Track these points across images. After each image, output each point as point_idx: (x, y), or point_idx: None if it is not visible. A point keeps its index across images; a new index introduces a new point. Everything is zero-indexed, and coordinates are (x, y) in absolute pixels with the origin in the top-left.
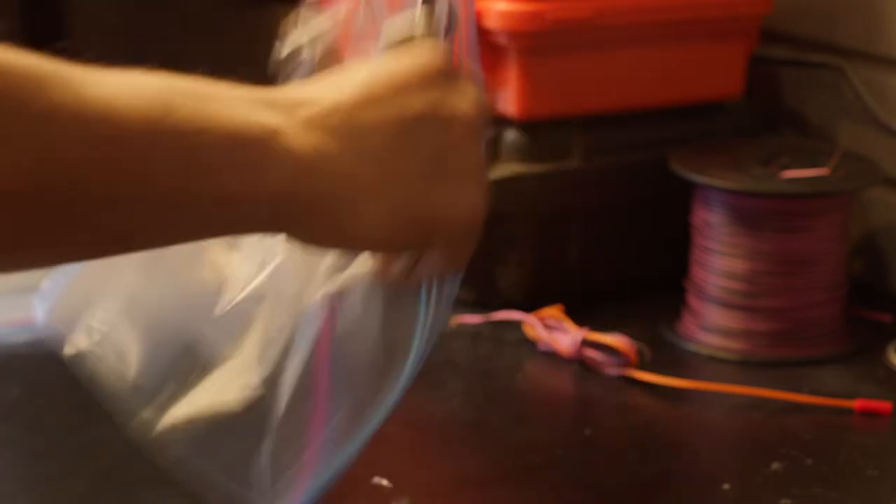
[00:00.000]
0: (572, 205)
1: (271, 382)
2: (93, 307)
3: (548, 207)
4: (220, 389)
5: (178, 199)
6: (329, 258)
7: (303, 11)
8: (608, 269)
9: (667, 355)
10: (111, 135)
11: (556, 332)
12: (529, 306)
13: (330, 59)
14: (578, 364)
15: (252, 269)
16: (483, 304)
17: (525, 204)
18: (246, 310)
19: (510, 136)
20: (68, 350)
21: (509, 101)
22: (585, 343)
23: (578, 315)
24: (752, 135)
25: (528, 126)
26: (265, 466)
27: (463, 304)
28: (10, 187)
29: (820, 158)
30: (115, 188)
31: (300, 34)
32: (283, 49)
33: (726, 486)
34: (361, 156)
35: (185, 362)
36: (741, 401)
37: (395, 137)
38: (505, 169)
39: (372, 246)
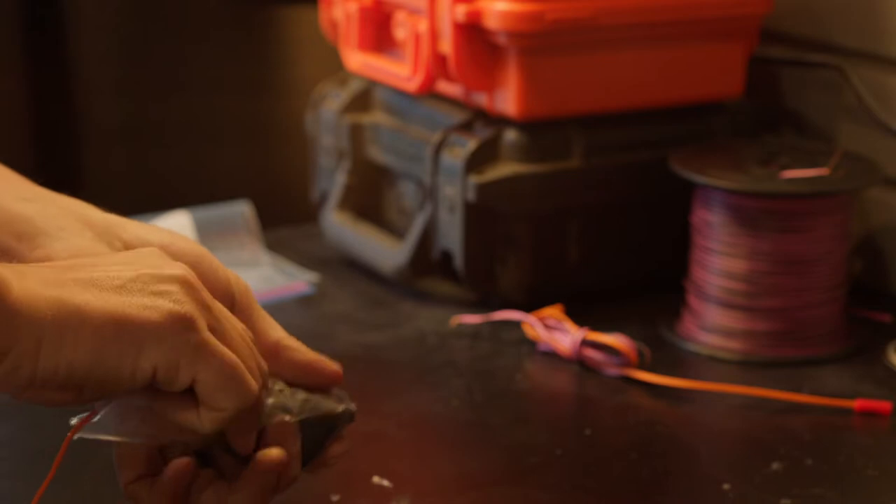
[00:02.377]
0: (572, 205)
1: None
2: None
3: (548, 207)
4: None
5: None
6: None
7: None
8: (608, 269)
9: (667, 355)
10: None
11: (556, 332)
12: (529, 306)
13: None
14: (578, 364)
15: None
16: (483, 304)
17: (525, 204)
18: None
19: (510, 136)
20: None
21: (509, 101)
22: (585, 343)
23: (578, 315)
24: (752, 135)
25: (528, 126)
26: None
27: (463, 304)
28: None
29: (820, 158)
30: None
31: None
32: None
33: (726, 486)
34: None
35: None
36: (741, 401)
37: None
38: (505, 169)
39: None
